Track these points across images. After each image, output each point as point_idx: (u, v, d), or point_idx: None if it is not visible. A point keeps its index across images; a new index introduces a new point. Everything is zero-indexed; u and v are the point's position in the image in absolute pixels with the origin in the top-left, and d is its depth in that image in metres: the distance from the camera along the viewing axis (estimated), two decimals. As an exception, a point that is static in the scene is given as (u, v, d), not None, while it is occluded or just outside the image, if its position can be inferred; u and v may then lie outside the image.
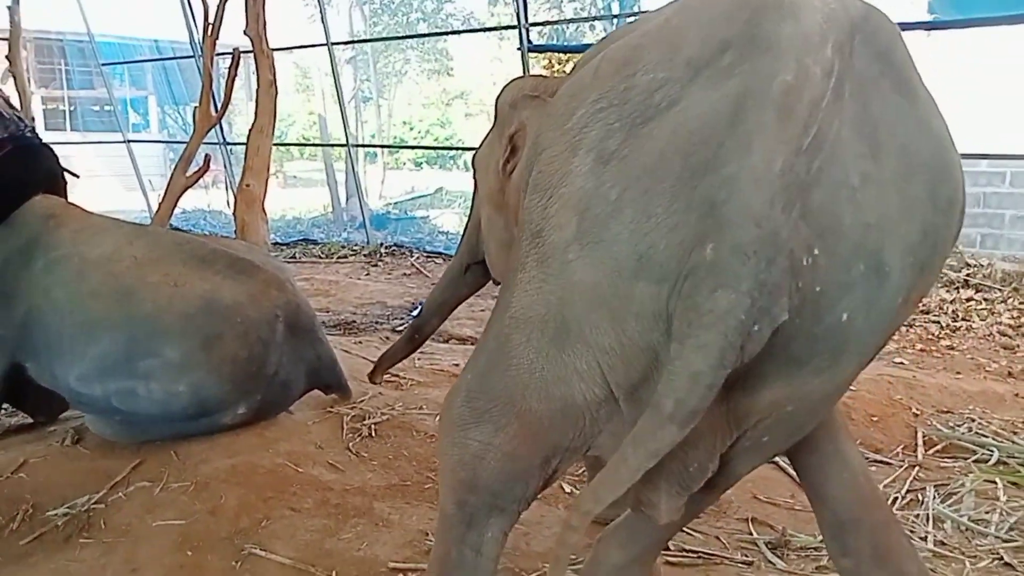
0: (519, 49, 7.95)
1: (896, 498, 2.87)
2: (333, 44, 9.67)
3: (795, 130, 1.22)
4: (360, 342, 5.05)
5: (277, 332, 3.25)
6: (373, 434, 3.33)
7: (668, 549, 2.49)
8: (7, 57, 9.91)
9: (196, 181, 7.74)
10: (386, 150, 15.48)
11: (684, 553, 2.51)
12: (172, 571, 2.37)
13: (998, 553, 2.48)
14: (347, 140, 10.36)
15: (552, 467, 1.61)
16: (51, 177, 3.57)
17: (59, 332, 3.13)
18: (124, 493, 2.79)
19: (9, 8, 9.50)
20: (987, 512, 2.74)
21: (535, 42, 8.49)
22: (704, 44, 1.33)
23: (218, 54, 7.42)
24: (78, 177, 3.77)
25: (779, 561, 2.48)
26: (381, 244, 9.30)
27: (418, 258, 8.76)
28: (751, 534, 2.65)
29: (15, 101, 9.98)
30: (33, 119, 9.77)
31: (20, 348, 3.22)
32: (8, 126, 3.41)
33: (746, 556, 2.51)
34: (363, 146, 10.88)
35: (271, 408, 3.32)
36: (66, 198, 3.63)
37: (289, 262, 8.08)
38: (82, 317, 3.11)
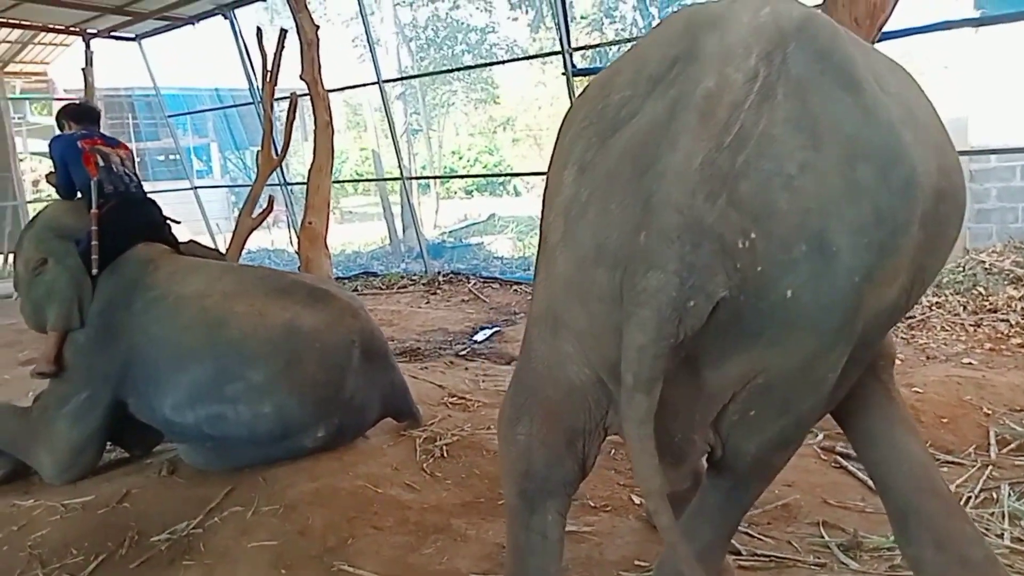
0: (563, 74, 8.11)
1: (970, 497, 2.85)
2: (384, 81, 10.00)
3: (715, 129, 1.40)
4: (426, 368, 5.21)
5: (353, 357, 3.44)
6: (445, 455, 3.46)
7: (740, 554, 2.56)
8: (83, 116, 10.57)
9: (262, 222, 8.11)
10: (438, 181, 15.81)
11: (756, 557, 2.56)
12: (269, 589, 2.54)
13: (1076, 548, 2.46)
14: (401, 173, 10.66)
15: (579, 449, 1.80)
16: (152, 226, 3.90)
17: (156, 365, 3.38)
18: (219, 518, 2.97)
19: (83, 70, 10.16)
20: (1063, 508, 2.70)
21: (579, 66, 8.63)
22: (660, 62, 1.55)
23: (276, 99, 7.81)
24: (179, 223, 4.09)
25: (852, 562, 2.50)
26: (439, 272, 9.50)
27: (475, 284, 8.92)
28: (822, 537, 2.67)
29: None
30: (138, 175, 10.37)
31: (121, 385, 3.47)
32: (115, 182, 3.75)
33: (818, 558, 2.54)
34: (417, 178, 11.17)
35: (348, 432, 3.49)
36: (175, 244, 3.94)
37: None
38: (176, 349, 3.36)
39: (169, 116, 13.67)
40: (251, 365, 3.29)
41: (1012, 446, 3.31)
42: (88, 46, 10.55)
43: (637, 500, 3.02)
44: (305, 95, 7.36)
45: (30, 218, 4.33)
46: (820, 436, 3.45)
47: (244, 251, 8.22)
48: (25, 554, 2.81)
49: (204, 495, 3.15)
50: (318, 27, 7.23)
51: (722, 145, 1.39)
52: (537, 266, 1.79)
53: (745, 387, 1.52)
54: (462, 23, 14.69)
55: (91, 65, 10.16)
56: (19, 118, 16.04)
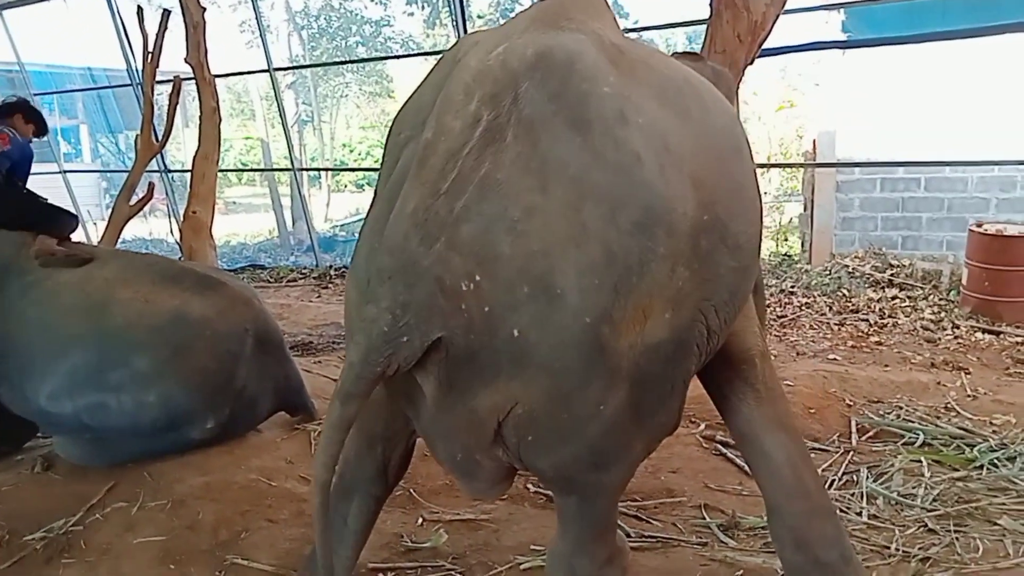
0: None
1: (833, 480, 3.12)
2: (275, 69, 9.71)
3: (430, 176, 1.48)
4: (319, 361, 5.12)
5: (246, 346, 3.35)
6: (341, 447, 3.43)
7: (629, 536, 2.69)
8: (-66, 89, 9.71)
9: (140, 209, 7.67)
10: (329, 173, 15.48)
11: (644, 538, 2.70)
12: (156, 586, 2.45)
13: (924, 522, 2.73)
14: (292, 163, 10.38)
15: (378, 453, 2.03)
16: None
17: (31, 353, 3.17)
18: (101, 515, 2.83)
19: (-64, 39, 9.31)
20: (914, 488, 3.00)
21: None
22: (429, 102, 1.63)
23: (157, 82, 7.43)
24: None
25: (731, 541, 2.68)
26: (330, 266, 9.32)
27: (368, 279, 8.80)
28: (704, 519, 2.86)
29: None
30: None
31: None
32: None
33: (700, 538, 2.71)
34: (309, 169, 10.89)
35: (240, 424, 3.40)
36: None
37: (238, 287, 8.05)
38: (55, 334, 3.17)
39: (36, 95, 12.71)
40: (135, 352, 3.14)
41: (870, 434, 3.63)
42: (-58, 13, 9.69)
43: (533, 488, 3.11)
44: (189, 79, 7.05)
45: None
46: (702, 426, 3.67)
47: (120, 240, 7.80)
48: None
49: (83, 491, 2.99)
50: (204, 9, 6.95)
51: (439, 192, 1.45)
52: None
53: (509, 415, 1.56)
54: (356, 14, 14.42)
55: (-54, 33, 9.32)
56: None
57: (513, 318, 1.44)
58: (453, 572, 2.51)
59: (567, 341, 1.46)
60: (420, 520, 2.87)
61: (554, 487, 1.90)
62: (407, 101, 1.86)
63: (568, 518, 1.86)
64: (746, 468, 2.90)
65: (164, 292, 3.28)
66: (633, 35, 6.01)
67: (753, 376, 2.08)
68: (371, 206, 1.78)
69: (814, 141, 7.59)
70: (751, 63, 4.25)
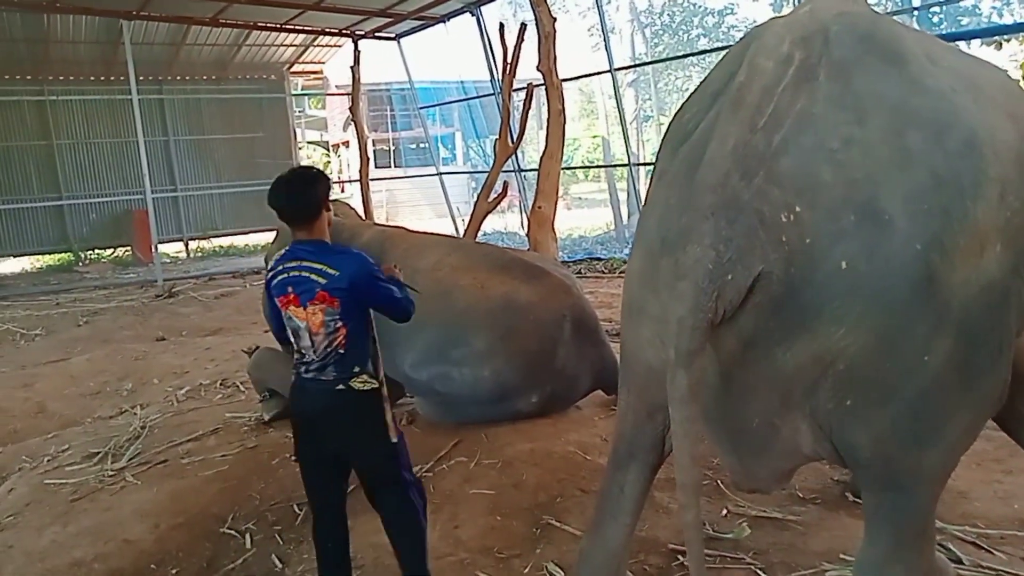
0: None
1: None
2: (616, 69, 10.14)
3: (746, 113, 1.47)
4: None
5: (564, 330, 3.67)
6: (654, 432, 3.57)
7: (960, 563, 2.40)
8: (350, 108, 11.91)
9: (496, 206, 8.67)
10: (668, 167, 15.65)
11: (981, 569, 2.39)
12: (486, 531, 2.82)
13: None
14: (628, 159, 10.76)
15: (658, 422, 1.93)
16: None
17: (398, 328, 3.83)
18: (447, 465, 3.35)
19: (352, 68, 11.43)
20: None
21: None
22: (720, 79, 1.70)
23: (514, 90, 8.26)
24: None
25: None
26: (663, 259, 9.47)
27: (700, 271, 8.77)
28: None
29: (354, 145, 11.62)
30: (368, 159, 11.65)
31: None
32: None
33: None
34: (644, 164, 11.16)
35: (560, 400, 3.73)
36: None
37: (575, 277, 8.60)
38: (415, 314, 3.79)
39: (420, 108, 14.88)
40: (474, 333, 3.63)
41: None
42: (356, 46, 11.85)
43: (851, 497, 2.92)
44: (541, 85, 7.71)
45: None
46: (1079, 453, 3.08)
47: (480, 233, 8.84)
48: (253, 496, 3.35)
49: (435, 444, 3.55)
50: (555, 19, 7.52)
51: (756, 127, 1.46)
52: None
53: (827, 372, 1.48)
54: (699, 6, 14.38)
55: (358, 63, 11.40)
56: (299, 111, 18.34)
57: (838, 248, 1.43)
58: (753, 567, 2.49)
59: (898, 271, 1.42)
60: (725, 511, 2.88)
61: (868, 475, 1.71)
62: (692, 93, 1.92)
63: (880, 517, 1.72)
64: None
65: (496, 279, 3.73)
66: None
67: None
68: (650, 188, 1.89)
69: None
70: None
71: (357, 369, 2.22)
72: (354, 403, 2.22)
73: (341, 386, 2.20)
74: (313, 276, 2.17)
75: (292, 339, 2.25)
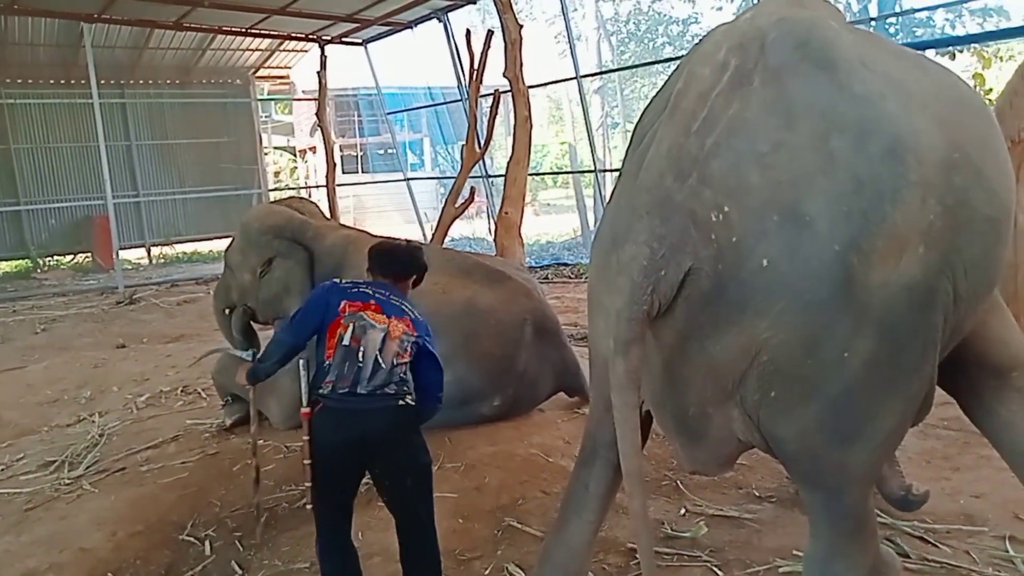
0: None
1: None
2: (582, 76, 10.22)
3: (682, 118, 1.57)
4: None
5: (526, 334, 3.71)
6: (616, 434, 3.61)
7: (907, 556, 2.48)
8: (316, 114, 11.85)
9: (463, 212, 8.69)
10: (634, 174, 15.80)
11: (926, 562, 2.47)
12: (447, 534, 2.82)
13: None
14: (595, 166, 10.85)
15: None
16: None
17: None
18: (409, 469, 3.34)
19: (318, 73, 11.38)
20: None
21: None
22: (659, 107, 1.77)
23: (481, 96, 8.30)
24: None
25: (1037, 581, 2.34)
26: (628, 264, 9.56)
27: (664, 277, 8.87)
28: (1007, 551, 2.52)
29: (321, 150, 11.56)
30: (335, 165, 11.58)
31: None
32: None
33: (997, 571, 2.40)
34: (610, 171, 11.26)
35: (522, 403, 3.77)
36: None
37: (542, 283, 8.66)
38: None
39: (388, 113, 14.85)
40: (435, 337, 3.63)
41: None
42: (323, 51, 11.80)
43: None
44: (508, 91, 7.76)
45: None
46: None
47: (447, 238, 8.84)
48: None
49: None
50: (522, 26, 7.58)
51: (690, 131, 1.55)
52: None
53: (753, 363, 1.55)
54: (664, 15, 14.58)
55: (325, 68, 11.35)
56: (265, 116, 18.17)
57: (762, 247, 1.49)
58: (709, 565, 2.55)
59: (816, 271, 1.48)
60: (683, 510, 2.94)
61: (799, 472, 1.80)
62: (652, 99, 1.99)
63: (817, 515, 1.79)
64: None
65: (458, 284, 3.76)
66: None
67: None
68: (613, 190, 1.98)
69: None
70: None
71: (407, 388, 2.33)
72: (415, 418, 2.36)
73: (402, 401, 2.29)
74: (404, 306, 2.42)
75: (336, 353, 2.28)
